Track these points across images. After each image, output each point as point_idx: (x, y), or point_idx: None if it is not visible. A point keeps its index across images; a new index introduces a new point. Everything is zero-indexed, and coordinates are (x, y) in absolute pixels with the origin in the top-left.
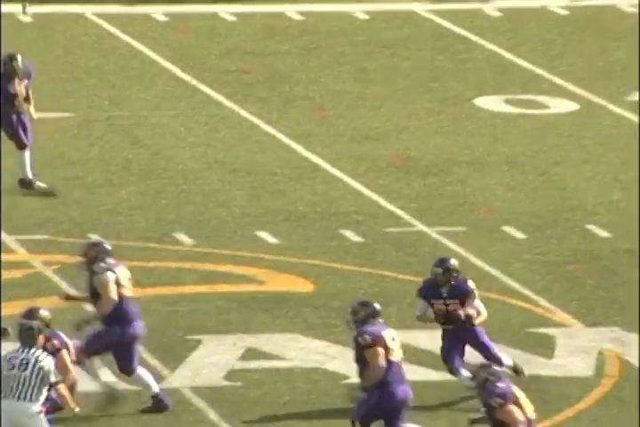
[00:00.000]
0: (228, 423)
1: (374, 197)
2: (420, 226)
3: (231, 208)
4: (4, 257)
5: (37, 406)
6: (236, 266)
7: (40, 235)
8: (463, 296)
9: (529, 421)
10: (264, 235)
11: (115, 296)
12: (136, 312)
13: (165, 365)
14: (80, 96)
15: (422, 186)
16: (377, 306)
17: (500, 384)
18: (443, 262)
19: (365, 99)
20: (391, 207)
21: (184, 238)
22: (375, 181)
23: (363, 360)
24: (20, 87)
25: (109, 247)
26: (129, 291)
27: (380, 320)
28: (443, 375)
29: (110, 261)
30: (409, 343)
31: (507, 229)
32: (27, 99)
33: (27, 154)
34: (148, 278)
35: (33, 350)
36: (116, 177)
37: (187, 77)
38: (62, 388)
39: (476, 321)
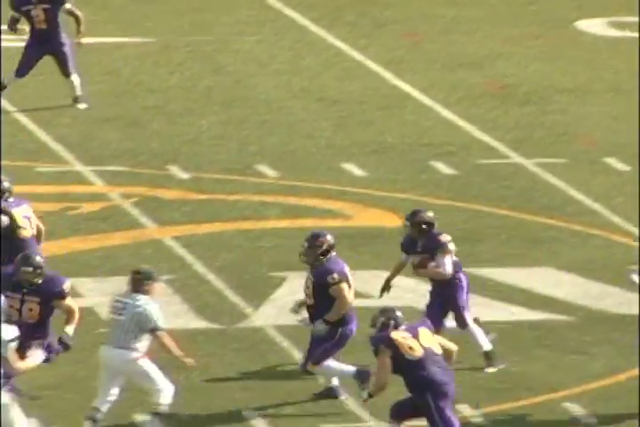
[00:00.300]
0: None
1: (468, 127)
2: (516, 158)
3: (316, 139)
4: (82, 189)
5: (134, 353)
6: (321, 200)
7: (118, 166)
8: (434, 250)
9: (410, 361)
10: (351, 167)
11: None
12: (35, 251)
13: (248, 302)
14: (160, 20)
15: (520, 115)
16: (331, 238)
17: (393, 329)
18: (412, 216)
19: (460, 22)
20: (486, 138)
21: (267, 171)
22: (469, 110)
23: (324, 296)
24: (37, 10)
25: (8, 185)
26: (27, 231)
27: (334, 253)
28: (537, 315)
29: (10, 200)
30: (505, 282)
31: (609, 160)
32: (77, 22)
33: (74, 77)
34: (229, 212)
35: (135, 294)
36: (196, 106)
37: (271, 0)
38: (164, 336)
39: (420, 273)
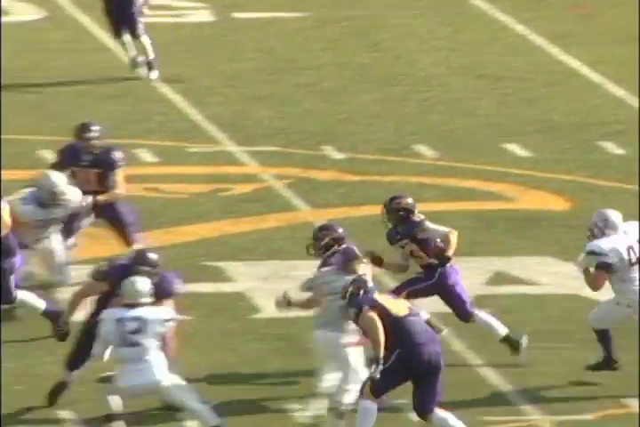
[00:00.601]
0: (474, 354)
1: (639, 104)
2: None
3: (478, 118)
4: (234, 170)
5: (345, 337)
6: (482, 182)
7: (271, 146)
8: (410, 236)
9: (396, 317)
10: (513, 147)
11: (7, 230)
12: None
13: None
14: None
15: None
16: (341, 230)
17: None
18: (389, 202)
19: None
20: None
21: (425, 151)
22: None
23: None
24: None
25: None
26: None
27: (344, 245)
28: None
29: None
30: None
31: None
32: None
33: (144, 40)
34: (385, 194)
35: (348, 277)
36: (351, 83)
37: None
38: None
39: (449, 252)
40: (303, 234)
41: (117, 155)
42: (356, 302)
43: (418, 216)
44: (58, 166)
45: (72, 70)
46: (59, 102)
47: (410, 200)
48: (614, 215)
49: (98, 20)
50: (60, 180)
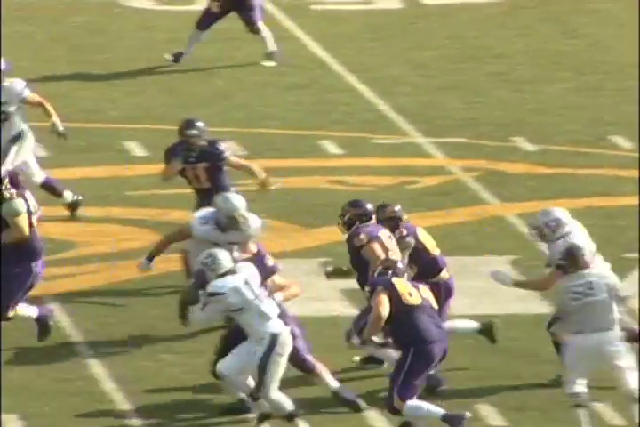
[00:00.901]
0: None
1: None
2: None
3: None
4: (421, 162)
5: (618, 330)
6: None
7: (459, 137)
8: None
9: (406, 305)
10: None
11: (27, 231)
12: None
13: None
14: None
15: None
16: (369, 207)
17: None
18: (376, 212)
19: None
20: None
21: (622, 142)
22: None
23: (360, 263)
24: None
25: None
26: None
27: (372, 222)
28: None
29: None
30: None
31: None
32: None
33: (264, 34)
34: (579, 188)
35: (589, 270)
36: (545, 72)
37: None
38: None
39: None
40: (491, 229)
41: (222, 146)
42: (371, 281)
43: (402, 228)
44: (172, 167)
45: (257, 59)
46: (243, 93)
47: (397, 208)
48: (563, 213)
49: (279, 7)
50: (239, 203)
